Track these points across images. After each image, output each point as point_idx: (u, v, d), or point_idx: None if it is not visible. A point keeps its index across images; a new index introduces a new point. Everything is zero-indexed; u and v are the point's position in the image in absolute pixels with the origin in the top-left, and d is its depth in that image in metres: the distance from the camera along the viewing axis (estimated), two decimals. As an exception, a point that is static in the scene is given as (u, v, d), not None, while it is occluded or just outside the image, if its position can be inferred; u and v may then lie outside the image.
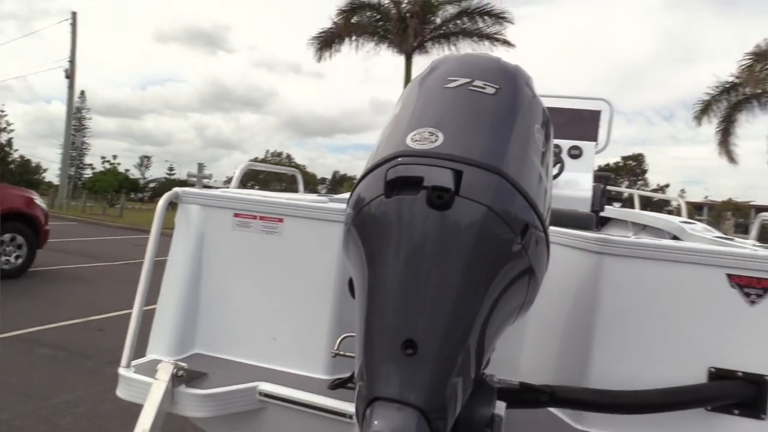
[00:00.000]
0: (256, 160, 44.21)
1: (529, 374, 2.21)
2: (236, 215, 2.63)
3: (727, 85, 18.87)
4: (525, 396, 2.08)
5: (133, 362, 2.37)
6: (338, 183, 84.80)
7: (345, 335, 2.30)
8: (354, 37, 20.05)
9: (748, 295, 2.12)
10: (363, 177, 1.63)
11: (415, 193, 1.42)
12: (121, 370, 2.35)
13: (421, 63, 20.76)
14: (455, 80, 1.66)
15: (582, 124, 5.22)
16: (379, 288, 1.46)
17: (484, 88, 1.63)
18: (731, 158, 19.79)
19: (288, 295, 2.55)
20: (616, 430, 2.13)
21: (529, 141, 1.61)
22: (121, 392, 2.35)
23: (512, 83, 1.69)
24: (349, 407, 2.18)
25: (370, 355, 1.44)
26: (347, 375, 1.96)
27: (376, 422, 1.34)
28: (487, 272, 1.44)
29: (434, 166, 1.43)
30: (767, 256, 2.13)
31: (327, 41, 20.32)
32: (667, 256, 2.25)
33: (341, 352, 2.26)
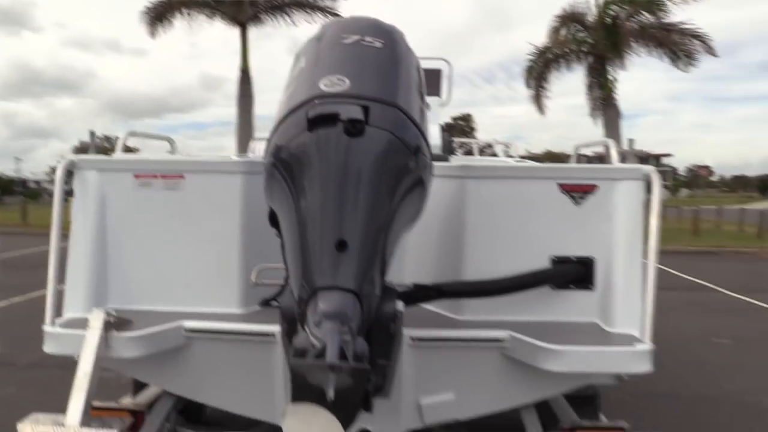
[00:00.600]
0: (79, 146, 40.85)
1: (414, 278, 2.68)
2: (137, 176, 2.79)
3: (543, 49, 21.18)
4: (418, 294, 2.57)
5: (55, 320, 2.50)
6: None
7: (261, 266, 2.62)
8: (186, 10, 19.20)
9: (573, 198, 2.75)
10: (278, 126, 1.96)
11: (333, 125, 1.79)
12: (47, 328, 2.47)
13: (256, 34, 20.56)
14: (349, 37, 2.03)
15: (426, 80, 5.80)
16: (310, 207, 1.82)
17: (373, 42, 2.03)
18: (542, 111, 22.44)
19: (196, 243, 2.78)
20: (488, 316, 2.68)
21: (411, 83, 2.04)
22: (49, 348, 2.48)
23: (392, 38, 2.11)
24: (269, 328, 2.51)
25: (307, 260, 1.80)
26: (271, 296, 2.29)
27: (321, 305, 1.71)
28: (392, 184, 1.87)
29: (346, 103, 1.81)
30: (586, 167, 2.77)
31: (159, 15, 19.27)
32: (513, 174, 2.83)
33: (261, 281, 2.58)
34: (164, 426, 2.95)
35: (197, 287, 2.77)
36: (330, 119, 1.79)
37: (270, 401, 2.63)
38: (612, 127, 20.86)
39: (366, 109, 1.81)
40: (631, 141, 3.17)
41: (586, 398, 3.30)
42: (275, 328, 2.48)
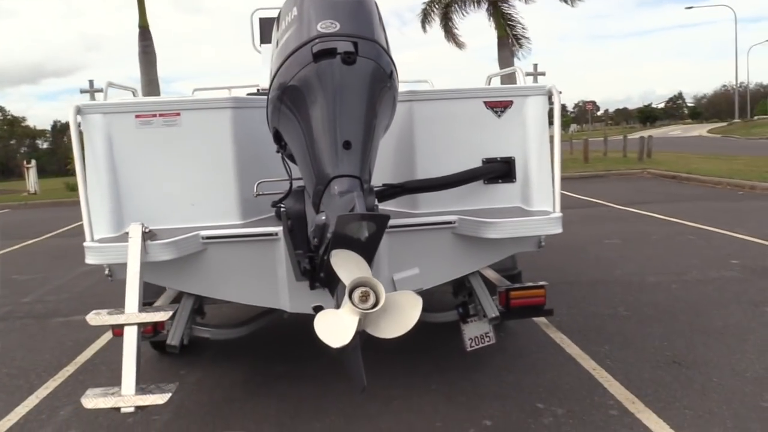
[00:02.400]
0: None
1: (376, 181, 3.38)
2: (138, 116, 3.27)
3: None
4: (387, 191, 3.29)
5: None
6: (60, 133, 75.75)
7: (260, 180, 3.22)
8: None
9: (496, 112, 3.53)
10: (284, 61, 2.56)
11: (332, 57, 2.43)
12: (87, 244, 2.99)
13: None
14: None
15: None
16: (319, 119, 2.46)
17: None
18: (458, 44, 23.44)
19: (196, 169, 3.32)
20: (438, 208, 3.43)
21: (379, 21, 2.69)
22: (91, 259, 3.00)
23: None
24: (273, 229, 3.14)
25: (321, 159, 2.45)
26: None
27: (336, 187, 2.38)
28: (376, 99, 2.54)
29: (341, 40, 2.44)
30: (503, 88, 3.55)
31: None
32: (448, 96, 3.57)
33: (261, 193, 3.19)
34: (189, 324, 3.54)
35: (201, 206, 3.33)
36: (330, 53, 2.42)
37: (274, 290, 3.28)
38: (507, 66, 22.12)
39: (356, 45, 2.45)
40: (535, 65, 3.95)
41: (513, 276, 4.20)
42: (278, 229, 3.13)
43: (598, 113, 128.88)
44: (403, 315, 2.14)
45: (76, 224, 13.24)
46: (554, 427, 3.24)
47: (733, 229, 8.51)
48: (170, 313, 2.90)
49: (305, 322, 3.29)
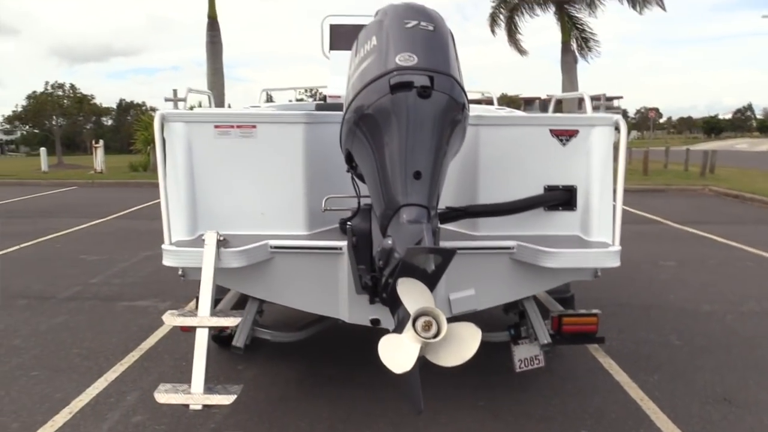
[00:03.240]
0: (32, 94, 39.67)
1: (442, 204, 3.48)
2: (216, 126, 3.47)
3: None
4: (450, 214, 3.39)
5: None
6: (125, 111, 78.30)
7: (328, 196, 3.37)
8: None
9: (561, 140, 3.57)
10: (362, 89, 2.68)
11: (409, 90, 2.54)
12: (166, 247, 3.20)
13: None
14: (409, 22, 2.75)
15: None
16: (392, 148, 2.58)
17: (427, 26, 2.75)
18: (521, 51, 23.22)
19: (268, 179, 3.50)
20: (497, 231, 3.51)
21: (455, 54, 2.79)
22: (168, 261, 3.21)
23: (438, 22, 2.83)
24: (338, 243, 3.29)
25: (391, 186, 2.57)
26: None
27: (405, 216, 2.50)
28: (448, 131, 2.64)
29: (418, 74, 2.55)
30: (570, 117, 3.59)
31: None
32: (515, 122, 3.64)
33: (329, 208, 3.34)
34: (252, 326, 3.73)
35: (271, 215, 3.51)
36: (407, 86, 2.54)
37: (335, 300, 3.43)
38: (569, 71, 21.79)
39: (431, 79, 2.56)
40: (603, 95, 3.97)
41: (565, 299, 4.24)
42: (342, 243, 3.28)
43: (661, 121, 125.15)
44: (462, 345, 2.25)
45: (141, 206, 13.85)
46: (598, 456, 3.29)
47: (798, 258, 8.25)
48: (239, 319, 3.09)
49: (357, 330, 3.49)
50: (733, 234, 10.11)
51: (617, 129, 3.51)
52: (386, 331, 3.42)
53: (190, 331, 3.50)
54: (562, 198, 3.59)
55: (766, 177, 20.77)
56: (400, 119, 2.57)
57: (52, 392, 4.06)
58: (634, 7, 21.28)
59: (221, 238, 3.13)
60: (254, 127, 3.48)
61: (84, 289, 6.77)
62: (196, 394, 2.82)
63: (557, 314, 3.80)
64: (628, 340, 5.09)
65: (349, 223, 3.12)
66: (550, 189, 3.58)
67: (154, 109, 46.23)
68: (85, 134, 51.08)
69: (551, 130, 3.58)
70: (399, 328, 2.36)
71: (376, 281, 3.05)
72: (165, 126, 3.43)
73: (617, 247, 3.31)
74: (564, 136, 3.58)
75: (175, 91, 4.10)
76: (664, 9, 21.06)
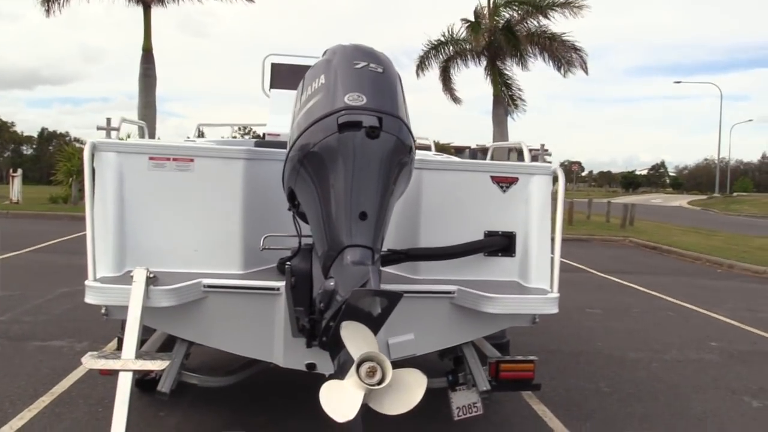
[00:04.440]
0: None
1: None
2: (151, 158, 3.31)
3: (436, 43, 22.53)
4: (392, 256, 3.34)
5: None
6: (47, 141, 75.05)
7: (267, 234, 3.26)
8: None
9: (501, 186, 3.62)
10: (308, 127, 2.62)
11: (357, 130, 2.50)
12: (90, 283, 2.97)
13: (159, 13, 19.93)
14: (358, 63, 2.73)
15: None
16: (337, 188, 2.51)
17: (376, 68, 2.74)
18: (455, 100, 23.92)
19: (203, 215, 3.35)
20: (437, 275, 3.48)
21: (402, 97, 2.78)
22: (91, 299, 2.98)
23: (387, 64, 2.83)
24: (275, 284, 3.16)
25: (335, 227, 2.50)
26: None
27: (349, 257, 2.42)
28: (394, 172, 2.61)
29: (367, 114, 2.52)
30: (510, 164, 3.66)
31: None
32: (457, 167, 3.66)
33: (267, 247, 3.22)
34: (180, 370, 3.50)
35: (204, 252, 3.35)
36: (355, 125, 2.50)
37: (269, 343, 3.28)
38: (500, 123, 22.58)
39: (380, 119, 2.53)
40: (542, 146, 4.09)
41: (501, 345, 4.23)
42: (280, 284, 3.16)
43: (583, 174, 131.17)
44: (408, 392, 2.17)
45: (58, 240, 13.12)
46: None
47: (712, 309, 8.66)
48: (168, 362, 2.89)
49: (287, 375, 3.33)
50: (653, 284, 10.55)
51: (555, 179, 3.60)
52: (321, 377, 3.32)
53: (111, 374, 3.26)
54: (501, 244, 3.61)
55: (680, 231, 22.01)
56: (347, 159, 2.52)
57: (-53, 443, 3.66)
58: (558, 69, 22.41)
59: (151, 275, 2.95)
60: (192, 160, 3.35)
61: (-9, 328, 6.25)
62: (115, 448, 2.58)
63: (494, 360, 3.78)
64: (560, 387, 5.13)
65: (288, 263, 3.02)
66: (490, 234, 3.60)
67: (78, 140, 44.57)
68: (2, 162, 48.48)
69: (492, 177, 3.62)
70: (340, 374, 2.26)
71: (315, 324, 2.94)
72: (96, 155, 3.25)
73: (556, 294, 3.34)
74: (504, 183, 3.63)
75: (108, 120, 3.91)
76: (586, 73, 22.31)
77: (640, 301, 9.22)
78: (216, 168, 3.37)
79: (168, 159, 3.33)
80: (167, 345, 3.66)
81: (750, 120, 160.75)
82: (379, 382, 2.11)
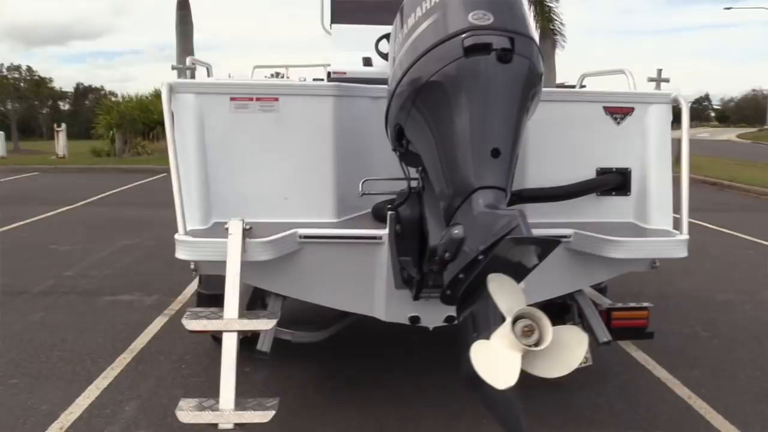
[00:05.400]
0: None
1: None
2: (233, 99, 3.01)
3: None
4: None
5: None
6: (82, 96, 75.51)
7: (365, 179, 2.97)
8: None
9: (615, 118, 3.23)
10: (423, 54, 2.25)
11: (487, 54, 2.14)
12: (180, 237, 2.74)
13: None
14: None
15: None
16: (464, 122, 2.17)
17: None
18: None
19: (291, 160, 3.07)
20: (543, 218, 3.14)
21: (530, 16, 2.40)
22: (183, 254, 2.75)
23: None
24: (377, 232, 2.88)
25: (462, 167, 2.17)
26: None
27: (482, 200, 2.10)
28: (528, 102, 2.26)
29: (497, 35, 2.15)
30: (625, 93, 3.26)
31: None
32: (566, 98, 3.28)
33: (367, 192, 2.94)
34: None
35: (295, 200, 3.08)
36: (485, 48, 2.14)
37: (370, 297, 3.04)
38: (548, 57, 21.61)
39: (512, 40, 2.16)
40: (659, 71, 3.66)
41: (600, 290, 3.92)
42: (382, 232, 2.88)
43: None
44: (567, 353, 1.89)
45: (109, 192, 13.14)
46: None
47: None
48: (274, 320, 2.67)
49: (370, 328, 3.05)
50: (723, 222, 10.01)
51: (677, 107, 3.20)
52: (414, 330, 3.06)
53: (205, 333, 3.08)
54: (615, 181, 3.26)
55: (737, 165, 21.03)
56: (476, 87, 2.16)
57: (37, 404, 3.55)
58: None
59: (247, 227, 2.70)
60: (276, 99, 3.04)
61: (58, 283, 6.19)
62: (226, 412, 2.40)
63: (606, 308, 3.49)
64: (655, 333, 4.81)
65: (390, 209, 2.73)
66: (603, 172, 3.24)
67: (113, 94, 44.62)
68: (42, 119, 49.11)
69: (605, 108, 3.23)
70: (483, 332, 1.98)
71: (426, 275, 2.68)
72: (173, 98, 2.97)
73: (686, 236, 2.99)
74: (619, 113, 3.24)
75: (184, 60, 3.58)
76: None
77: (715, 240, 8.73)
78: (303, 107, 3.06)
79: (251, 99, 3.03)
80: (251, 302, 3.44)
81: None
82: (537, 343, 1.83)
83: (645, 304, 3.52)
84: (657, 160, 3.24)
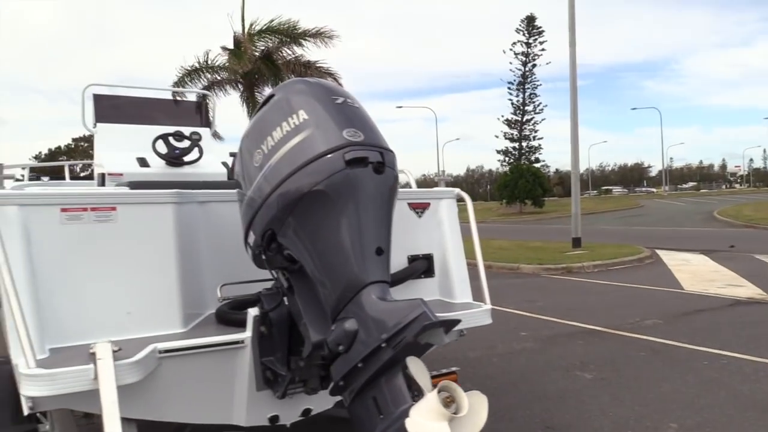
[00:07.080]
0: None
1: None
2: (64, 209, 2.79)
3: (191, 69, 21.70)
4: None
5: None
6: None
7: (223, 284, 2.98)
8: None
9: (417, 212, 3.84)
10: (305, 165, 2.49)
11: (364, 166, 2.48)
12: (30, 370, 2.38)
13: None
14: (337, 98, 2.69)
15: (195, 113, 6.15)
16: (350, 226, 2.46)
17: (353, 102, 2.74)
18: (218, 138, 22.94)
19: (132, 272, 2.92)
20: None
21: None
22: (35, 390, 2.38)
23: (354, 98, 2.84)
24: (240, 336, 2.90)
25: (350, 266, 2.45)
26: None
27: (372, 295, 2.40)
28: (393, 206, 2.65)
29: (371, 150, 2.52)
30: (422, 191, 3.90)
31: None
32: None
33: (225, 297, 2.95)
34: None
35: (139, 314, 2.93)
36: (362, 161, 2.48)
37: (229, 404, 3.01)
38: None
39: (382, 155, 2.55)
40: (443, 171, 4.41)
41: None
42: (245, 335, 2.91)
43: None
44: (475, 415, 2.23)
45: None
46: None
47: (500, 305, 9.94)
48: None
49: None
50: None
51: (460, 199, 3.95)
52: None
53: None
54: (422, 266, 3.82)
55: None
56: (357, 195, 2.49)
57: None
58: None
59: (116, 349, 2.49)
60: (114, 209, 2.91)
61: None
62: None
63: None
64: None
65: (252, 312, 2.84)
66: (413, 258, 3.77)
67: None
68: None
69: (408, 204, 3.81)
70: (389, 413, 2.24)
71: (302, 371, 2.80)
72: None
73: (489, 306, 3.64)
74: (419, 208, 3.85)
75: (0, 165, 3.11)
76: None
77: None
78: (144, 214, 2.98)
79: (85, 209, 2.85)
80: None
81: (457, 138, 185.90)
82: (456, 412, 2.15)
83: (453, 369, 4.08)
84: (452, 244, 3.90)
